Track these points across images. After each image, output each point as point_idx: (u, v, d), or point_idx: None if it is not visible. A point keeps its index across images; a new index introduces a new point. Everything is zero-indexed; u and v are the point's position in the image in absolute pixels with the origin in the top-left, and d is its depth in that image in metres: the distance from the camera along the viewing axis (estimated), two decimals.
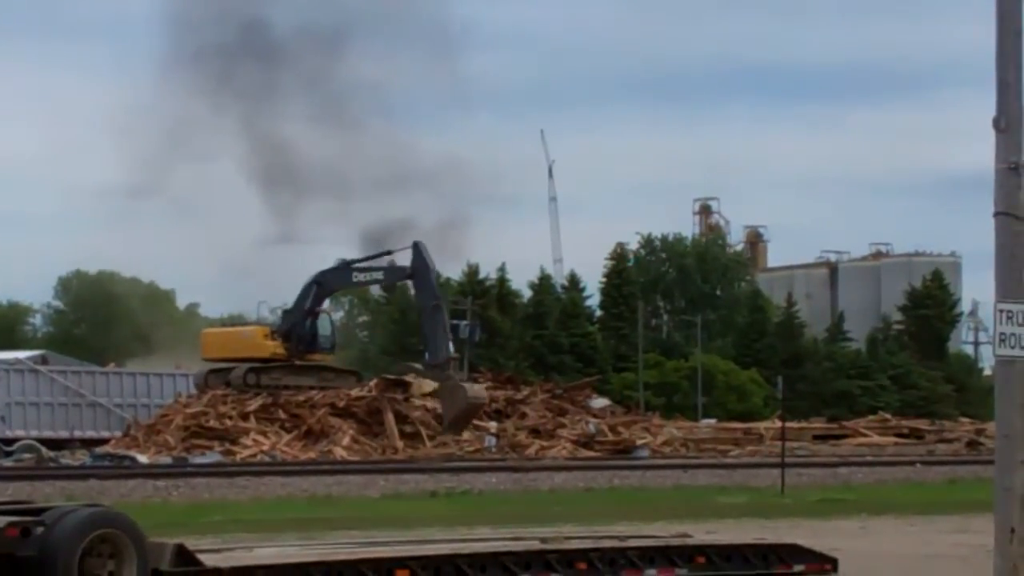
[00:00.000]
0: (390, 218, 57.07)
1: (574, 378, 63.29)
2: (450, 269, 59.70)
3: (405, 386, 47.28)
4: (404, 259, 48.54)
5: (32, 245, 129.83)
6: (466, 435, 45.32)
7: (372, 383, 47.85)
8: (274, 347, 48.38)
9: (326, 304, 52.84)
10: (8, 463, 40.84)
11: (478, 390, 45.30)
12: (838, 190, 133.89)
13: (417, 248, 47.08)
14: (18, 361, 53.18)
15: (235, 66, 59.54)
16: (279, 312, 51.70)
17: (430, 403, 46.37)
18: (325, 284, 50.10)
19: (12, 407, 47.81)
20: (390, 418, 44.60)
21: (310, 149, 61.00)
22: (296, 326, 48.55)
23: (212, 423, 44.45)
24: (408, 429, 44.67)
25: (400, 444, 43.71)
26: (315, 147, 61.81)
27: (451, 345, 46.36)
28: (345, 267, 50.02)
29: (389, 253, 48.85)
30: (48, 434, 47.45)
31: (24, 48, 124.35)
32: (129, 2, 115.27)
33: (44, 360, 56.31)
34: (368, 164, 63.43)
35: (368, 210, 59.81)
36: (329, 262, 50.60)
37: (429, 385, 46.78)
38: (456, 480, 33.14)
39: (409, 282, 51.21)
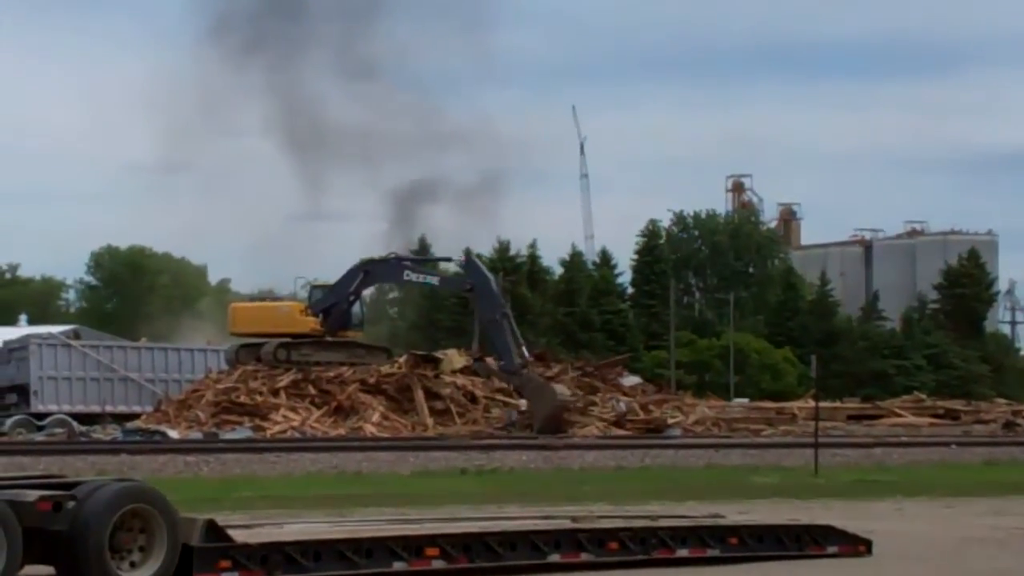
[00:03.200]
0: (420, 180, 59.10)
1: (605, 356, 63.14)
2: (483, 240, 60.63)
3: (435, 362, 47.39)
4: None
5: (65, 221, 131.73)
6: (495, 411, 45.53)
7: (402, 359, 48.07)
8: (312, 323, 48.41)
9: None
10: (40, 437, 41.63)
11: (562, 389, 44.51)
12: (873, 167, 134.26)
13: (471, 260, 47.95)
14: (51, 336, 53.62)
15: (264, 30, 60.15)
16: (309, 289, 51.86)
17: (460, 380, 46.48)
18: (373, 274, 50.26)
19: (44, 381, 48.24)
20: (420, 395, 44.81)
21: (340, 113, 61.26)
22: (336, 305, 48.44)
23: (242, 399, 44.89)
24: (438, 406, 44.76)
25: (430, 421, 43.93)
26: (345, 111, 62.07)
27: (525, 349, 45.70)
28: (396, 263, 50.21)
29: (448, 260, 50.71)
30: (80, 409, 47.87)
31: (58, 20, 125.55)
32: None
33: (76, 335, 57.22)
34: (398, 127, 64.42)
35: (398, 174, 61.59)
36: (357, 239, 51.92)
37: (459, 361, 47.07)
38: (486, 458, 33.40)
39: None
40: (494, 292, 46.94)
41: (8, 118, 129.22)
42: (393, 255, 51.01)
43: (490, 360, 47.33)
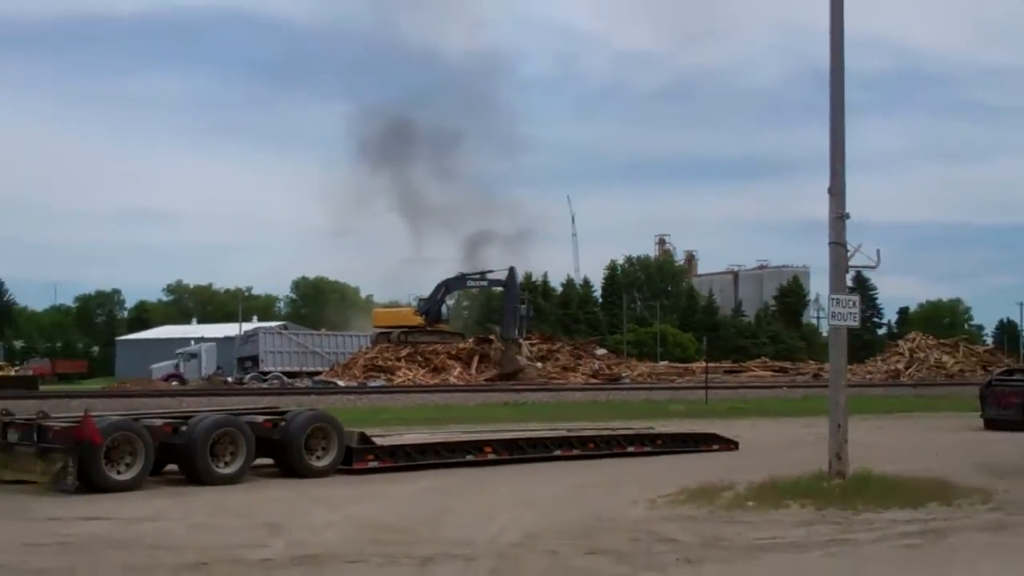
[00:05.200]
0: (480, 231, 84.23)
1: (586, 337, 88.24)
2: (518, 269, 79.40)
3: (489, 341, 66.31)
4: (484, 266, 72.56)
5: (279, 261, 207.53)
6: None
7: (470, 340, 68.22)
8: (418, 319, 68.81)
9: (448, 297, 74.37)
10: (265, 386, 59.86)
11: (522, 362, 62.91)
12: (739, 229, 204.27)
13: (511, 271, 66.99)
14: (271, 328, 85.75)
15: (388, 151, 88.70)
16: (416, 300, 72.59)
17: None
18: (450, 286, 71.10)
19: (267, 354, 72.35)
20: (477, 358, 64.23)
21: (433, 197, 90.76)
22: (431, 308, 69.17)
23: (380, 363, 63.41)
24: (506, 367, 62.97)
25: (487, 376, 60.95)
26: (436, 196, 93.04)
27: (515, 330, 64.31)
28: (462, 277, 71.30)
29: (491, 272, 69.19)
30: (287, 368, 70.59)
31: (273, 152, 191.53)
32: (329, 116, 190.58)
33: (285, 327, 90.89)
34: (467, 204, 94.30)
35: (467, 229, 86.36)
36: (446, 272, 73.84)
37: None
38: (518, 396, 46.63)
39: (498, 289, 71.93)
40: (516, 290, 66.91)
41: (249, 203, 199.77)
42: (460, 273, 71.55)
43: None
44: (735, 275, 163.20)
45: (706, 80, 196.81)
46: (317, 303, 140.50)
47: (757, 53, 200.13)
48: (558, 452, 19.97)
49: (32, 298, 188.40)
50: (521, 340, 65.51)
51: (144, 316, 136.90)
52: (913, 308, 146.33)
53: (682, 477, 16.15)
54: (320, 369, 68.95)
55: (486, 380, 59.67)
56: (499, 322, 69.38)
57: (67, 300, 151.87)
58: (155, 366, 77.63)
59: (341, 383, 57.20)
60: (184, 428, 16.35)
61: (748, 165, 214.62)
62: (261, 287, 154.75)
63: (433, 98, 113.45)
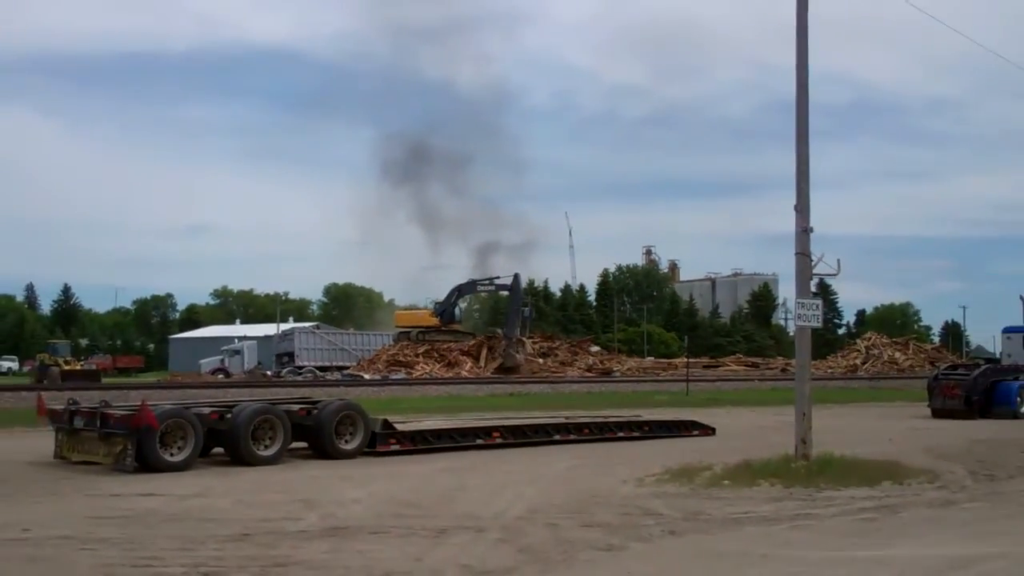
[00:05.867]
0: (488, 241, 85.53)
1: (582, 336, 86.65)
2: (522, 276, 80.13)
3: (496, 340, 65.45)
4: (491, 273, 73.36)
5: (311, 269, 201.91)
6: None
7: (479, 338, 67.54)
8: (435, 320, 69.74)
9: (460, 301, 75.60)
10: (300, 379, 60.01)
11: (520, 359, 62.64)
12: (717, 241, 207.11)
13: (516, 277, 67.45)
14: (305, 328, 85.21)
15: (408, 170, 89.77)
16: (433, 303, 75.43)
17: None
18: (462, 291, 72.02)
19: (302, 350, 71.90)
20: (485, 354, 63.86)
21: (448, 211, 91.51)
22: (445, 311, 70.31)
23: (400, 358, 63.80)
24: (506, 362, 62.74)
25: (492, 369, 61.24)
26: (451, 210, 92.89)
27: (517, 329, 64.84)
28: (472, 283, 72.22)
29: (498, 278, 70.09)
30: (320, 363, 69.83)
31: (306, 172, 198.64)
32: (356, 141, 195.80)
33: (318, 327, 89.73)
34: (478, 218, 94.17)
35: (477, 240, 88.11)
36: (459, 278, 74.92)
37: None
38: (522, 388, 46.67)
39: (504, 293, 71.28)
40: (519, 294, 67.26)
41: (286, 218, 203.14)
42: (470, 279, 72.66)
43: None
44: (713, 282, 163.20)
45: (686, 110, 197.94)
46: (346, 306, 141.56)
47: (729, 87, 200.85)
48: (557, 437, 19.97)
49: (96, 301, 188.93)
50: (524, 338, 65.76)
51: (194, 317, 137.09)
52: (869, 311, 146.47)
53: (666, 459, 16.12)
54: (348, 364, 68.80)
55: (492, 373, 59.70)
56: (504, 323, 69.49)
57: (126, 303, 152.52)
58: (203, 361, 77.73)
59: (366, 376, 57.06)
60: (229, 416, 16.39)
61: (723, 185, 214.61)
62: (297, 292, 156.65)
63: (447, 125, 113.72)
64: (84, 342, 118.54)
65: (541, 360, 65.63)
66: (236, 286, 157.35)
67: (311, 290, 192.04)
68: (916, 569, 8.84)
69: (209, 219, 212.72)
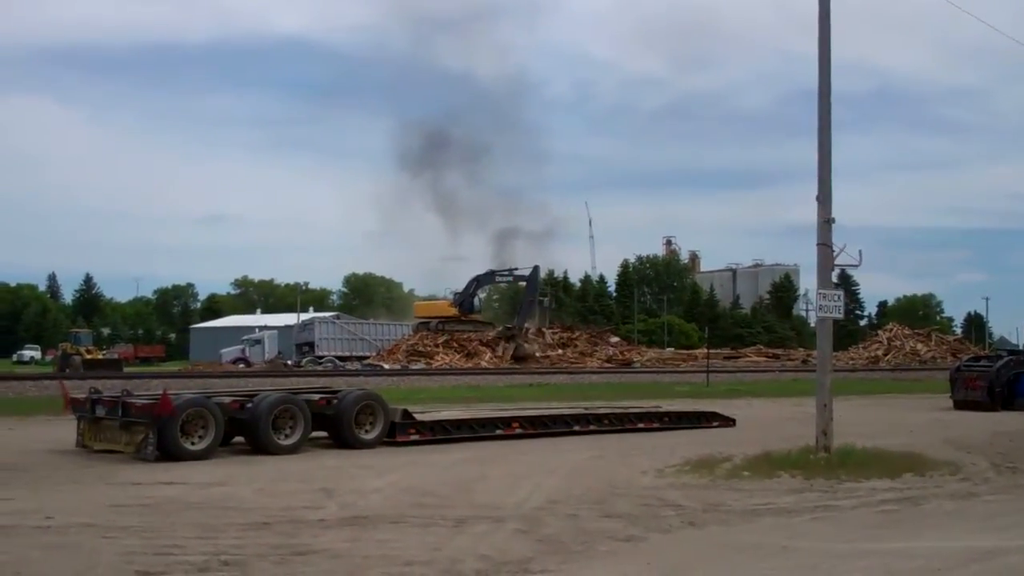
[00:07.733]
0: (508, 228, 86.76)
1: (601, 327, 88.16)
2: (542, 265, 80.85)
3: (515, 331, 66.06)
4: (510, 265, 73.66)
5: (333, 259, 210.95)
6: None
7: (498, 329, 67.53)
8: (454, 311, 69.53)
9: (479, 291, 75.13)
10: (320, 368, 59.29)
11: (530, 349, 63.79)
12: (738, 231, 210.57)
13: (535, 268, 68.95)
14: (325, 317, 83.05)
15: (426, 159, 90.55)
16: (451, 293, 73.73)
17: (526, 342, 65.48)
18: (481, 281, 72.19)
19: (322, 340, 71.63)
20: (503, 345, 64.21)
21: (466, 200, 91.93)
22: (464, 301, 69.98)
23: (420, 348, 63.79)
24: (517, 352, 63.54)
25: (510, 359, 61.98)
26: (469, 199, 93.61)
27: (529, 320, 66.31)
28: (491, 273, 72.78)
29: (516, 269, 70.78)
30: (340, 353, 69.92)
31: (326, 162, 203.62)
32: (375, 131, 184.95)
33: (338, 317, 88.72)
34: (497, 206, 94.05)
35: (496, 227, 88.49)
36: (478, 269, 74.48)
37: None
38: (541, 378, 46.21)
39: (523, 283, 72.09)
40: (535, 286, 68.44)
41: (306, 208, 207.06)
42: (489, 270, 72.94)
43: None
44: (733, 272, 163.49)
45: (705, 101, 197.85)
46: (365, 295, 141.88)
47: (749, 78, 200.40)
48: (577, 427, 19.96)
49: (117, 291, 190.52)
50: (544, 329, 66.11)
51: (215, 307, 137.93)
52: (891, 302, 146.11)
53: (686, 450, 16.07)
54: (368, 354, 68.96)
55: (508, 363, 59.87)
56: (517, 313, 70.13)
57: (147, 293, 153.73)
58: (224, 351, 78.23)
59: (386, 366, 57.16)
60: (250, 405, 16.42)
61: (745, 175, 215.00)
62: (317, 282, 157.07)
63: (466, 115, 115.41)
64: (106, 331, 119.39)
65: (560, 351, 65.57)
66: (256, 276, 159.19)
67: (331, 280, 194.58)
68: (938, 561, 8.76)
69: (229, 209, 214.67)
